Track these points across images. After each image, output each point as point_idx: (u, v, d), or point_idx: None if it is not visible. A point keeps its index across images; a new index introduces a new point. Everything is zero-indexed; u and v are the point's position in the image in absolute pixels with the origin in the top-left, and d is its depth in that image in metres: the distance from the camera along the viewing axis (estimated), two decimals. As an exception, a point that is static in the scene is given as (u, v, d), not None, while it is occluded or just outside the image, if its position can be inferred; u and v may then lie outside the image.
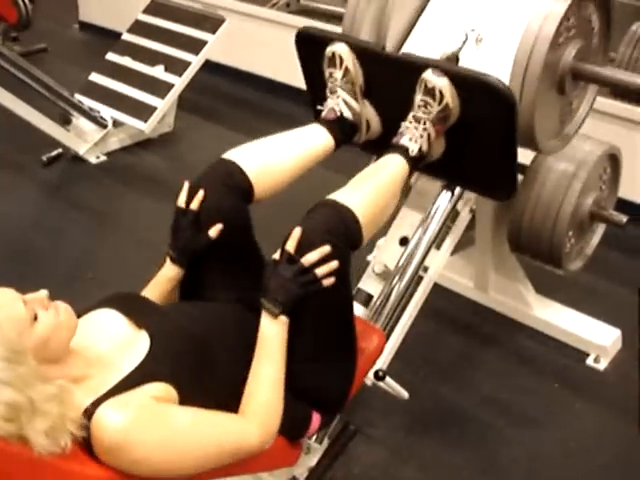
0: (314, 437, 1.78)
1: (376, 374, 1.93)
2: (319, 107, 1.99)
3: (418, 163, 1.87)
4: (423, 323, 2.24)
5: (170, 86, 3.97)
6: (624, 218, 2.44)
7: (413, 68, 1.86)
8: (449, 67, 1.87)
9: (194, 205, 1.67)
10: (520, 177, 2.48)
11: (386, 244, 2.21)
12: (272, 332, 1.51)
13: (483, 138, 1.89)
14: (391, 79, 1.95)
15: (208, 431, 1.35)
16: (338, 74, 1.94)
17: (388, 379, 1.96)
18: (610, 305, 2.83)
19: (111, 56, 4.31)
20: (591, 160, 2.37)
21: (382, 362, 1.97)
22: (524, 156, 2.46)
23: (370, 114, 2.01)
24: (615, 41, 2.33)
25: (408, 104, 1.87)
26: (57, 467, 1.17)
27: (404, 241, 2.12)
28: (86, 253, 3.32)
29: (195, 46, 3.99)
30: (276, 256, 1.54)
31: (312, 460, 1.84)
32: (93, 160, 4.04)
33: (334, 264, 1.50)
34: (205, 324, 1.53)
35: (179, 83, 3.96)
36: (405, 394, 2.05)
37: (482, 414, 2.43)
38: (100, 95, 4.15)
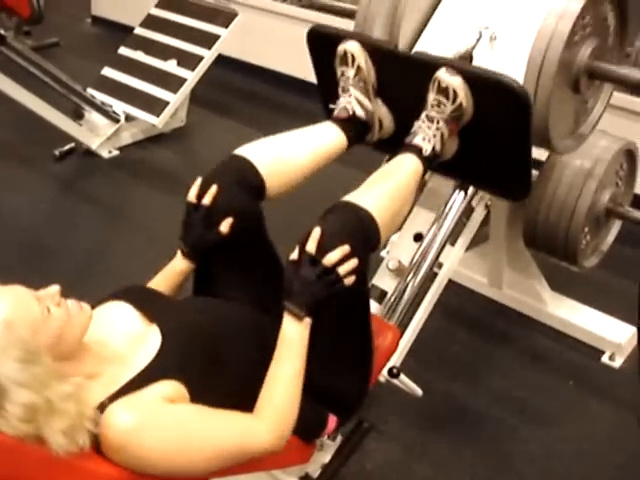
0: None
1: (390, 371, 1.92)
2: (331, 106, 1.96)
3: (431, 162, 1.84)
4: (437, 320, 2.23)
5: (182, 80, 3.97)
6: (640, 215, 2.42)
7: (426, 67, 1.84)
8: (463, 66, 1.84)
9: (206, 200, 1.64)
10: (536, 173, 2.47)
11: (400, 240, 2.20)
12: (295, 334, 1.47)
13: (497, 137, 1.86)
14: (404, 78, 1.92)
15: (217, 432, 1.33)
16: (350, 72, 1.91)
17: (402, 376, 1.95)
18: (625, 302, 2.77)
19: (123, 50, 4.32)
20: (607, 156, 2.35)
21: (396, 359, 1.96)
22: (540, 152, 2.45)
23: (383, 113, 1.98)
24: (632, 35, 2.30)
25: (421, 103, 1.85)
26: (73, 466, 1.16)
27: (418, 237, 2.11)
28: (98, 247, 3.32)
29: (208, 40, 3.99)
30: (294, 256, 1.51)
31: (325, 457, 1.83)
32: (105, 155, 4.04)
33: (354, 262, 1.48)
34: (216, 321, 1.51)
35: (191, 77, 3.97)
36: (419, 391, 2.04)
37: (496, 412, 2.41)
38: (112, 89, 4.16)
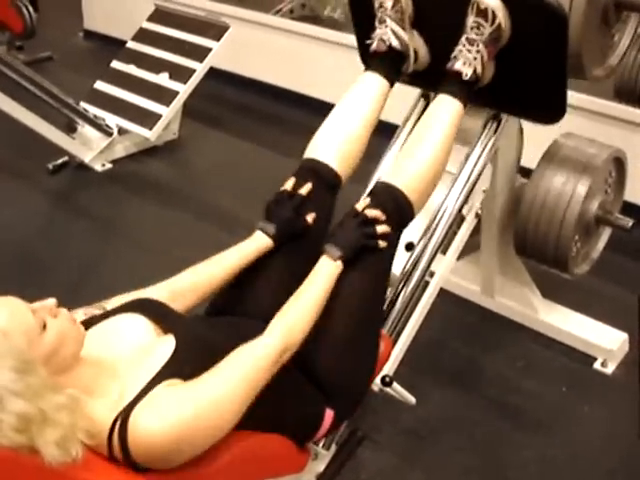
0: (321, 443, 1.78)
1: (383, 380, 1.92)
2: (368, 41, 2.02)
3: (471, 88, 1.91)
4: (430, 328, 2.23)
5: (175, 93, 3.99)
6: (630, 222, 2.44)
7: None
8: None
9: (303, 191, 1.79)
10: (525, 181, 2.49)
11: (392, 249, 2.20)
12: (326, 270, 1.61)
13: (533, 58, 1.93)
14: (441, 5, 1.99)
15: (233, 374, 1.36)
16: (388, 3, 1.98)
17: (395, 385, 1.95)
18: (617, 309, 2.82)
19: (116, 64, 4.33)
20: (596, 164, 2.37)
21: (389, 368, 1.96)
22: (529, 160, 2.47)
23: (418, 43, 2.05)
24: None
25: (458, 31, 1.91)
26: (67, 476, 1.17)
27: (410, 246, 2.11)
28: (92, 260, 3.32)
29: (199, 53, 4.01)
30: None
31: (320, 466, 1.83)
32: (98, 168, 4.05)
33: (388, 228, 1.69)
34: (226, 335, 1.52)
35: (184, 90, 3.98)
36: (412, 399, 2.05)
37: (489, 419, 2.42)
38: (105, 103, 4.17)
